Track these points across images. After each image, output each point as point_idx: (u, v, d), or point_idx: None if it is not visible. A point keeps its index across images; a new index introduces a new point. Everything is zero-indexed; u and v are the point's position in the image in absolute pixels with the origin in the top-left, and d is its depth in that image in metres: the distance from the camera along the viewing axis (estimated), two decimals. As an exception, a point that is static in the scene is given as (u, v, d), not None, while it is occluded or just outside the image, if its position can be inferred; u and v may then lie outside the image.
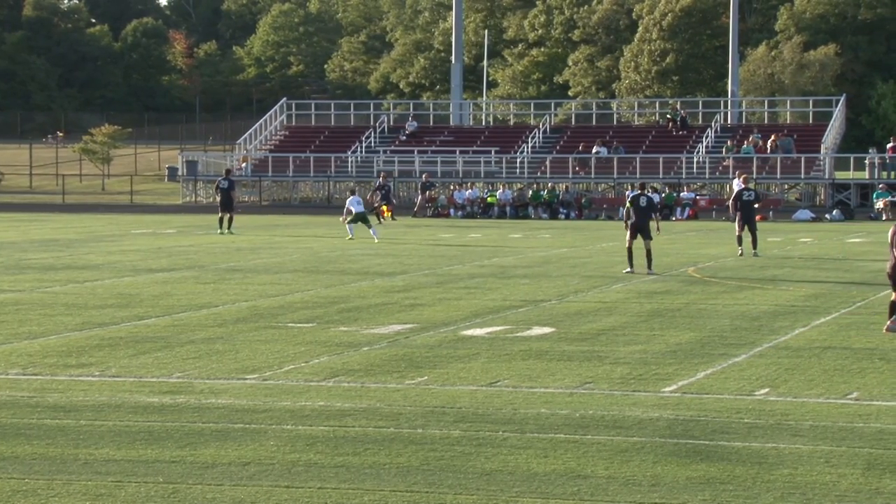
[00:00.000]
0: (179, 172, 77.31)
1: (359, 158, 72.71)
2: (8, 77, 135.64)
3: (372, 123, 78.08)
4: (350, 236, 42.32)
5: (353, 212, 42.94)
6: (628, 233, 29.83)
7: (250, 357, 17.32)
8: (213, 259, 33.82)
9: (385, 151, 73.24)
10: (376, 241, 40.91)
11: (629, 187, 63.42)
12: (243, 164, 73.08)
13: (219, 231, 45.14)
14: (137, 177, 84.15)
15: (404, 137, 75.77)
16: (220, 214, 46.01)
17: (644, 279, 28.25)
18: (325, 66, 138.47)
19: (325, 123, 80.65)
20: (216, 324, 20.65)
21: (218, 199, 47.35)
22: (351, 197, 44.24)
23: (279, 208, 66.85)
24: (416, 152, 71.67)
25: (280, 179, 72.87)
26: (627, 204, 30.06)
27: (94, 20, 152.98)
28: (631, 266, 29.53)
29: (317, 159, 72.45)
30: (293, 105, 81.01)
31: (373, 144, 74.87)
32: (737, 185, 57.13)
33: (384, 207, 55.04)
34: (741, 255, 34.36)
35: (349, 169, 71.36)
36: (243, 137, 78.07)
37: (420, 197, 63.31)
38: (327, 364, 16.82)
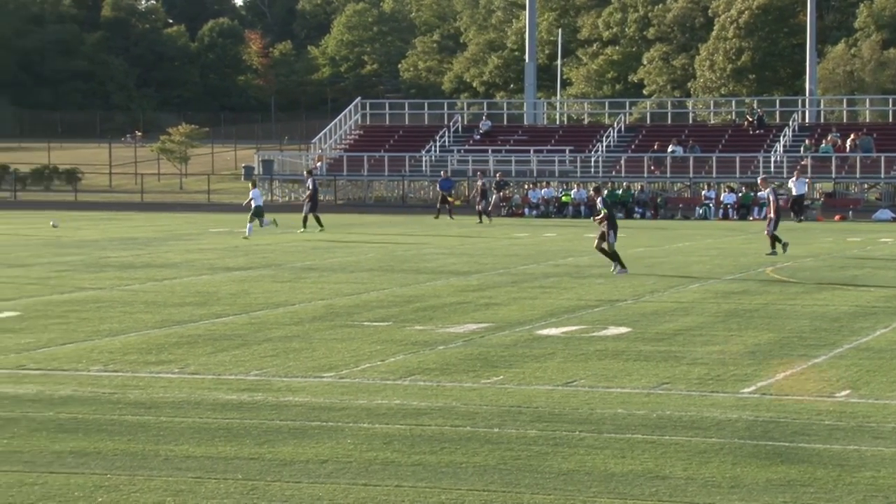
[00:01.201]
0: (255, 171, 77.81)
1: (433, 158, 72.77)
2: (87, 77, 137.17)
3: (446, 123, 78.13)
4: (247, 235, 42.12)
5: (254, 205, 42.96)
6: None
7: (327, 355, 17.39)
8: (289, 258, 34.00)
9: (459, 151, 73.26)
10: (245, 236, 41.52)
11: (705, 187, 63.05)
12: (318, 164, 73.39)
13: (301, 230, 45.36)
14: (214, 176, 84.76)
15: (478, 137, 75.76)
16: (308, 214, 46.30)
17: (721, 279, 28.06)
18: (399, 65, 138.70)
19: (400, 123, 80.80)
20: (293, 322, 20.76)
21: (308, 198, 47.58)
22: (253, 190, 44.17)
23: (354, 207, 67.06)
24: (489, 151, 71.63)
25: (354, 179, 73.10)
26: None
27: (171, 20, 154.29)
28: None
29: (391, 158, 72.62)
30: (367, 104, 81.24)
31: (447, 144, 74.92)
32: (793, 184, 56.72)
33: (451, 198, 56.49)
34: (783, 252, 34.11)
35: (423, 168, 71.44)
36: (318, 137, 78.42)
37: (494, 196, 63.30)
38: (403, 363, 16.86)
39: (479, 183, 56.79)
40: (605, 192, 29.97)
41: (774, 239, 34.31)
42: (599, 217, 29.83)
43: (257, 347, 18.02)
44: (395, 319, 21.15)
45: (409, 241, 40.87)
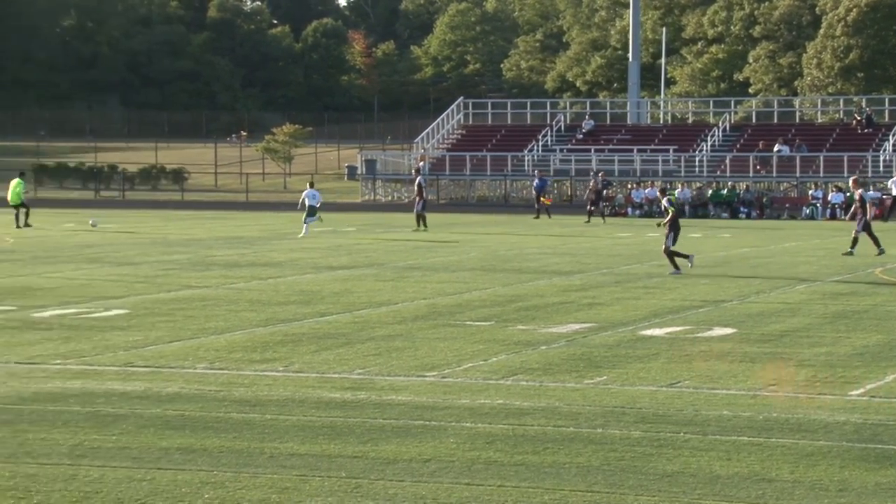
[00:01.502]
0: (359, 171, 78.24)
1: (535, 157, 72.66)
2: (194, 78, 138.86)
3: (548, 122, 77.98)
4: (303, 233, 42.62)
5: (308, 204, 43.44)
6: None
7: (429, 354, 17.43)
8: (391, 257, 34.13)
9: (562, 150, 73.07)
10: (301, 235, 42.05)
11: (812, 186, 62.29)
12: (421, 163, 73.63)
13: (415, 229, 45.56)
14: (318, 175, 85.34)
15: (581, 136, 75.51)
16: (421, 212, 46.52)
17: (829, 280, 27.71)
18: (502, 64, 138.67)
19: (502, 122, 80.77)
20: (396, 321, 20.83)
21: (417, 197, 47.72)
22: (309, 190, 44.54)
23: (456, 207, 67.15)
24: (592, 151, 71.37)
25: (457, 178, 73.21)
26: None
27: (275, 21, 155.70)
28: None
29: (493, 158, 72.63)
30: (470, 104, 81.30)
31: (549, 143, 74.76)
32: (892, 184, 55.79)
33: (543, 198, 56.61)
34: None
35: (526, 167, 71.36)
36: (420, 136, 78.65)
37: (594, 196, 62.98)
38: (505, 362, 16.84)
39: (593, 182, 56.65)
40: (671, 193, 29.78)
41: (873, 239, 33.85)
42: (667, 219, 29.60)
43: (360, 346, 18.10)
44: (497, 319, 21.14)
45: (512, 241, 40.83)
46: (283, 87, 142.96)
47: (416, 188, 48.12)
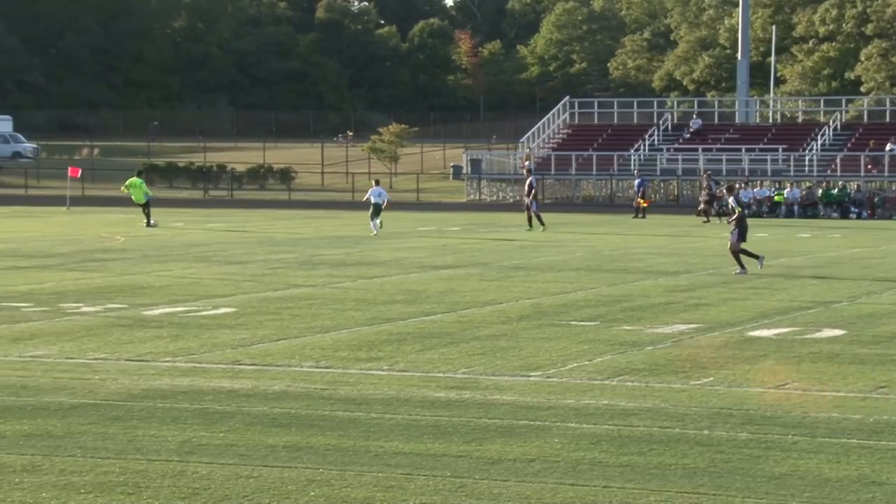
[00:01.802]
0: (464, 171, 78.32)
1: (642, 157, 72.23)
2: (301, 78, 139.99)
3: (655, 121, 77.48)
4: (374, 232, 42.65)
5: (373, 202, 43.36)
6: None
7: (534, 354, 17.40)
8: (496, 256, 34.12)
9: (668, 149, 72.57)
10: (373, 233, 42.20)
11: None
12: (526, 163, 73.52)
13: (528, 229, 45.54)
14: (423, 175, 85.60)
15: (688, 135, 74.93)
16: (536, 212, 46.55)
17: (940, 281, 27.23)
18: (609, 63, 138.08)
19: (608, 122, 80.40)
20: (500, 321, 20.82)
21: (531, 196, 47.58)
22: (374, 188, 44.38)
23: (561, 206, 66.96)
24: (700, 150, 70.78)
25: (562, 178, 73.03)
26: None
27: (382, 21, 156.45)
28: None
29: (599, 157, 72.33)
30: (576, 103, 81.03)
31: (656, 142, 74.29)
32: None
33: (641, 200, 56.21)
34: None
35: (632, 167, 70.96)
36: (526, 136, 78.54)
37: (705, 196, 62.47)
38: (611, 363, 16.76)
39: (706, 182, 56.21)
40: (738, 191, 29.61)
41: None
42: (734, 217, 29.36)
43: (465, 346, 18.12)
44: (602, 319, 21.05)
45: (617, 241, 40.63)
46: (390, 87, 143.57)
47: (526, 188, 48.00)
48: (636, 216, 56.26)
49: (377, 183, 46.22)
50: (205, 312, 21.66)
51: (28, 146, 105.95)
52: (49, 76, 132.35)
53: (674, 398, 14.34)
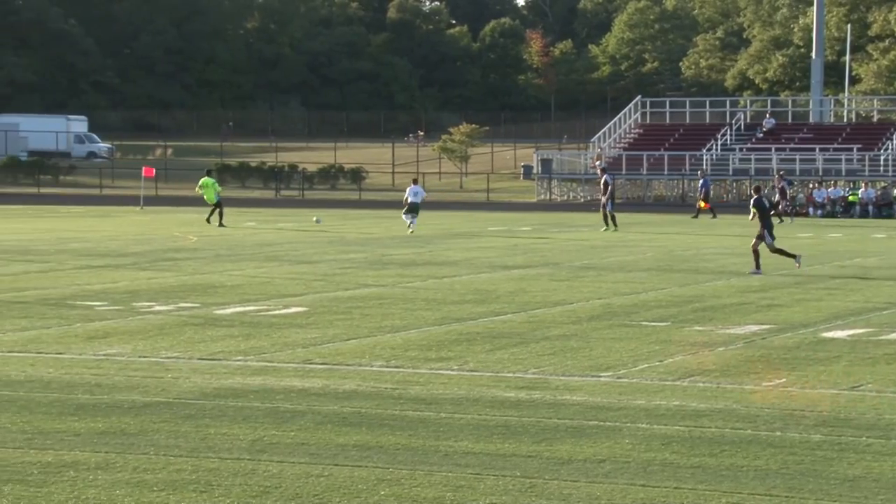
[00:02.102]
0: (534, 171, 78.22)
1: (714, 156, 71.80)
2: (372, 78, 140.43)
3: (728, 121, 76.98)
4: (410, 229, 43.54)
5: (410, 201, 44.52)
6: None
7: (604, 355, 17.34)
8: (567, 256, 34.04)
9: (741, 149, 72.07)
10: (409, 231, 43.19)
11: None
12: (597, 163, 73.31)
13: (605, 228, 45.36)
14: (494, 175, 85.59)
15: (761, 135, 74.38)
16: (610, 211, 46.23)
17: None
18: (681, 63, 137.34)
19: (680, 121, 79.99)
20: (571, 321, 20.77)
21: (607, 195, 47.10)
22: (412, 186, 45.58)
23: (632, 206, 66.70)
24: (773, 150, 70.24)
25: (634, 178, 72.73)
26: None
27: (453, 21, 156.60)
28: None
29: (671, 157, 71.97)
30: (647, 103, 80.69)
31: (728, 142, 73.80)
32: None
33: (702, 202, 55.62)
34: None
35: (704, 167, 70.54)
36: (597, 136, 78.31)
37: (777, 195, 62.05)
38: (682, 363, 16.67)
39: (779, 183, 55.74)
40: (765, 191, 29.92)
41: None
42: (756, 218, 29.49)
43: (535, 346, 18.09)
44: (673, 320, 20.94)
45: (689, 241, 40.40)
46: (461, 87, 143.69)
47: (601, 186, 47.72)
48: (695, 216, 55.71)
49: (415, 182, 47.27)
50: (276, 312, 21.78)
51: (102, 146, 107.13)
52: (123, 77, 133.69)
53: (746, 399, 14.24)
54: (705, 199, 56.29)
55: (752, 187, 32.99)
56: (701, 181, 59.11)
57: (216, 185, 48.53)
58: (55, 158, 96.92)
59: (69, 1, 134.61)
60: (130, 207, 61.93)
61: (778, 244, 29.42)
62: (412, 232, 43.31)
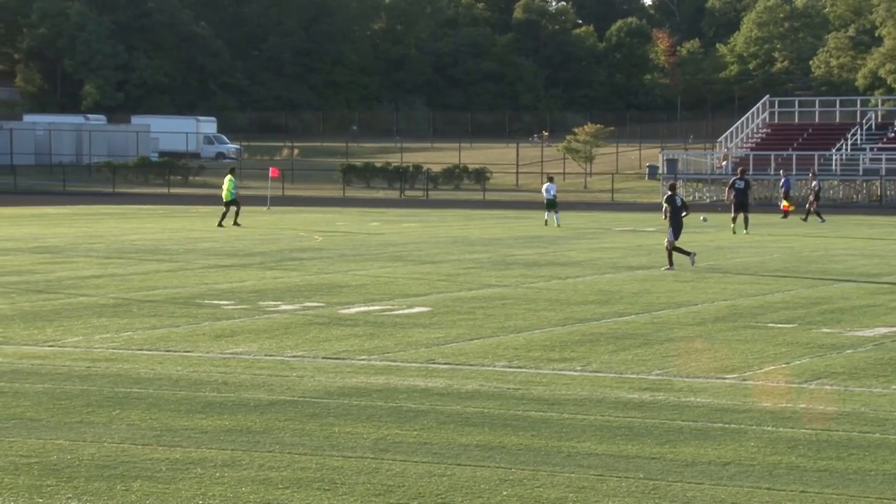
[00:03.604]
0: (660, 171, 77.67)
1: (843, 156, 70.70)
2: (497, 79, 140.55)
3: (858, 120, 75.73)
4: (556, 224, 47.19)
5: (546, 198, 48.77)
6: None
7: (729, 356, 17.17)
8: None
9: (871, 149, 70.85)
10: (556, 225, 47.17)
11: None
12: (723, 163, 72.60)
13: (732, 230, 44.38)
14: (618, 175, 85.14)
15: (892, 134, 73.05)
16: (732, 214, 45.24)
17: None
18: (811, 62, 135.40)
19: (809, 121, 78.91)
20: (695, 322, 20.60)
21: (732, 198, 45.95)
22: (547, 184, 49.68)
23: (760, 207, 65.83)
24: (904, 149, 68.95)
25: (761, 178, 71.88)
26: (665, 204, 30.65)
27: (579, 21, 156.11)
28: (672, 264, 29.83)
29: (799, 157, 71.00)
30: (776, 102, 79.70)
31: (858, 142, 72.60)
32: None
33: (785, 203, 54.24)
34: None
35: (833, 167, 69.54)
36: (724, 136, 77.53)
37: (812, 196, 60.71)
38: (809, 366, 16.44)
39: (813, 182, 54.64)
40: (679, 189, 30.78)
41: None
42: (667, 216, 30.39)
43: (659, 347, 17.97)
44: (800, 321, 20.66)
45: (817, 242, 39.83)
46: (586, 87, 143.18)
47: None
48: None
49: (550, 179, 50.73)
50: (399, 311, 21.90)
51: (231, 147, 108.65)
52: (252, 78, 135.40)
53: (874, 402, 14.01)
54: (786, 199, 54.35)
55: (668, 185, 33.96)
56: (783, 179, 57.12)
57: (232, 184, 46.93)
58: (185, 159, 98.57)
59: (200, 4, 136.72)
60: (258, 207, 62.70)
61: (678, 244, 30.16)
62: (558, 226, 46.89)
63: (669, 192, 31.17)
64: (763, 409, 13.70)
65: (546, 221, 48.78)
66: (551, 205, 48.76)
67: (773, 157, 71.50)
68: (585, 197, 78.62)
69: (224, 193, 47.53)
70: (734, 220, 43.86)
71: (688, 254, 30.26)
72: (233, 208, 46.79)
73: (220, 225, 46.26)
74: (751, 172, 71.22)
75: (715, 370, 16.10)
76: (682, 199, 30.98)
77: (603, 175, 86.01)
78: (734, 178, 45.05)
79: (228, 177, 47.53)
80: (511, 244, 38.73)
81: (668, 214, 30.27)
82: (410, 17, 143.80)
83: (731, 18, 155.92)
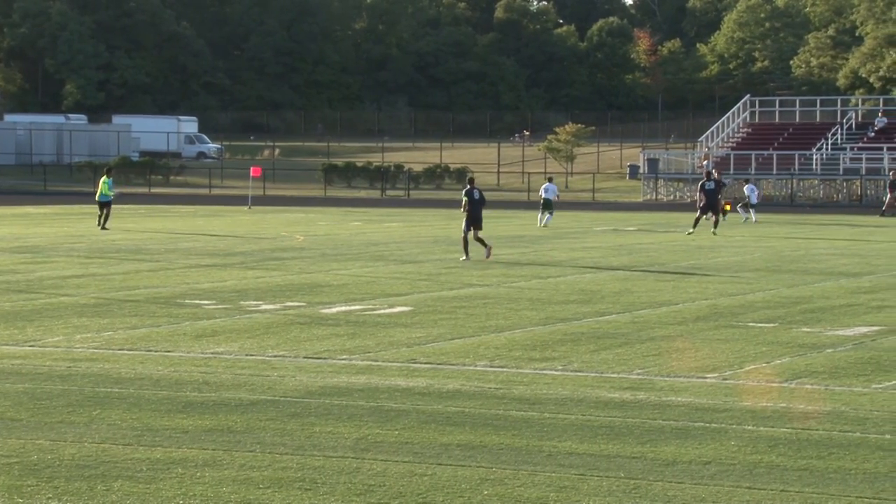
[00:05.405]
0: (640, 170, 77.81)
1: (824, 156, 70.90)
2: (479, 78, 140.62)
3: (839, 120, 75.96)
4: (543, 224, 47.30)
5: (543, 198, 48.38)
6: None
7: (710, 356, 17.21)
8: (672, 257, 33.83)
9: (852, 149, 71.07)
10: (545, 225, 47.03)
11: None
12: (704, 163, 72.71)
13: (691, 231, 44.22)
14: (599, 174, 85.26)
15: (872, 134, 73.29)
16: (697, 214, 45.14)
17: None
18: (791, 62, 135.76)
19: (790, 120, 79.13)
20: (676, 321, 20.64)
21: (702, 199, 45.51)
22: (546, 184, 49.41)
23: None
24: (884, 149, 69.18)
25: (741, 177, 72.01)
26: (463, 197, 32.83)
27: (561, 21, 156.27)
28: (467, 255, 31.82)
29: (780, 157, 71.19)
30: (756, 102, 79.89)
31: (839, 141, 72.83)
32: None
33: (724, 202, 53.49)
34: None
35: (813, 167, 69.74)
36: (705, 135, 77.71)
37: (889, 195, 61.14)
38: (789, 365, 16.49)
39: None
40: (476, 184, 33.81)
41: None
42: (464, 209, 32.29)
43: (640, 346, 18.00)
44: (781, 321, 20.72)
45: (798, 242, 39.94)
46: (567, 87, 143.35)
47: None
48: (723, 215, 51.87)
49: (550, 180, 50.95)
50: (381, 311, 21.89)
51: (212, 146, 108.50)
52: (234, 78, 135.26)
53: (855, 401, 14.05)
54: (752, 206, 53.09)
55: (467, 178, 35.40)
56: (748, 186, 56.12)
57: (106, 184, 44.67)
58: (166, 159, 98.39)
59: (182, 3, 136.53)
60: (239, 207, 62.61)
61: (474, 237, 31.98)
62: (544, 226, 46.97)
63: (469, 186, 32.91)
64: (744, 408, 13.74)
65: (540, 221, 48.03)
66: (547, 205, 48.04)
67: (753, 157, 71.66)
68: (567, 196, 78.67)
69: (98, 194, 45.00)
70: (697, 221, 43.62)
71: (466, 254, 31.59)
72: (105, 210, 44.12)
73: (103, 228, 43.54)
74: (731, 172, 71.43)
75: (696, 370, 16.13)
76: (480, 193, 32.94)
77: (584, 175, 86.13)
78: (702, 180, 45.21)
79: (104, 177, 45.40)
80: (493, 243, 38.67)
81: (465, 207, 32.21)
82: (392, 17, 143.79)
83: (711, 18, 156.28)
